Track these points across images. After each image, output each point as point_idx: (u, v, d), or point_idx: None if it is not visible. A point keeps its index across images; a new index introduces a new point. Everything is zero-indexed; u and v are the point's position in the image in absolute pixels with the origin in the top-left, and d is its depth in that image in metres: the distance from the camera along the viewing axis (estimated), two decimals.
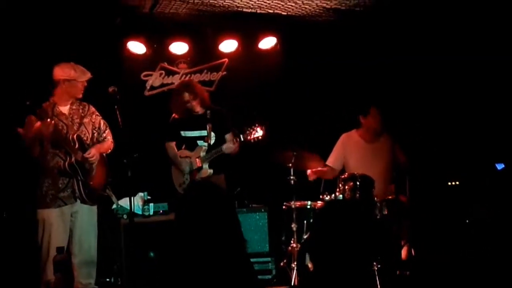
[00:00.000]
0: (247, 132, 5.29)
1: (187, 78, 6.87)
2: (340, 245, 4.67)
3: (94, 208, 5.00)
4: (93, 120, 5.06)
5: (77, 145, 4.84)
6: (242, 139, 5.35)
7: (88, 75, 4.98)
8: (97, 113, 5.12)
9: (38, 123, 4.68)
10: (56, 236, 4.73)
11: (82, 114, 5.00)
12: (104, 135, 5.12)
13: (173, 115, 5.72)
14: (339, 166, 5.93)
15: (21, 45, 5.98)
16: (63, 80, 4.88)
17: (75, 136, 4.86)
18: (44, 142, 4.75)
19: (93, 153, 4.90)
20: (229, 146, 5.43)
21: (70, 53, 5.89)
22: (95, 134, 5.04)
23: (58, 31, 6.11)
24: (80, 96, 5.01)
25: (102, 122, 5.12)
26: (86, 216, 4.93)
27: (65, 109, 4.95)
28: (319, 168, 5.84)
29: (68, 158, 4.78)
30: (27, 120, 4.74)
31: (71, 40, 6.18)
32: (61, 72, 4.89)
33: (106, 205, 5.80)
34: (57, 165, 4.79)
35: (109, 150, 5.17)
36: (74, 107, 4.99)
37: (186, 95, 5.59)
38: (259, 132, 5.28)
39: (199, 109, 5.62)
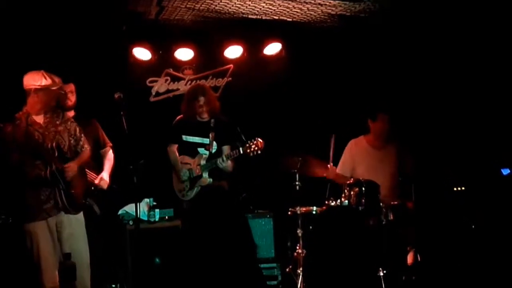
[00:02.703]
0: (247, 145, 5.23)
1: (193, 84, 6.86)
2: (351, 251, 4.67)
3: (80, 216, 4.87)
4: (68, 127, 4.91)
5: (56, 154, 4.74)
6: (241, 151, 5.26)
7: (60, 83, 4.80)
8: (72, 119, 5.00)
9: (10, 127, 4.61)
10: (45, 246, 4.65)
11: (57, 122, 4.86)
12: (81, 143, 4.97)
13: (177, 118, 5.70)
14: (349, 173, 5.91)
15: (21, 51, 5.97)
16: (34, 89, 4.72)
17: (54, 144, 4.74)
18: (20, 149, 4.65)
19: (71, 167, 4.78)
20: (222, 162, 5.35)
21: (75, 60, 5.96)
22: (72, 141, 4.90)
23: (65, 37, 6.14)
24: (54, 104, 4.86)
25: (77, 129, 4.97)
26: (73, 225, 4.81)
27: (39, 118, 4.80)
28: (330, 172, 5.81)
29: (48, 167, 4.67)
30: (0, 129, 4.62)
31: (76, 46, 6.21)
32: (31, 80, 4.72)
33: (111, 211, 5.82)
34: (37, 175, 4.67)
35: (88, 159, 5.08)
36: (48, 116, 4.84)
37: (202, 100, 5.56)
38: (259, 146, 5.21)
39: (206, 116, 5.61)
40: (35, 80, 4.70)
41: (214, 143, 5.51)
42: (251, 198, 6.39)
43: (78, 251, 4.78)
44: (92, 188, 5.26)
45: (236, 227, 2.58)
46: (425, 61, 6.69)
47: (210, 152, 5.50)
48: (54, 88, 4.77)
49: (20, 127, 4.63)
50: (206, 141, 5.53)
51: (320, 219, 5.55)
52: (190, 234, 4.83)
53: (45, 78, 4.71)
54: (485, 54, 6.47)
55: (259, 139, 5.20)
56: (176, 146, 5.68)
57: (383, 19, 6.30)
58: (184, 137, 5.62)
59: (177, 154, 5.66)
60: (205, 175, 5.45)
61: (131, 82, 6.66)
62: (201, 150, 5.55)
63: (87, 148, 5.00)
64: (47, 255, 4.60)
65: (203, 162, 5.48)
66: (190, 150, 5.59)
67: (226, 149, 5.54)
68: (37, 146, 4.68)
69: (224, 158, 5.34)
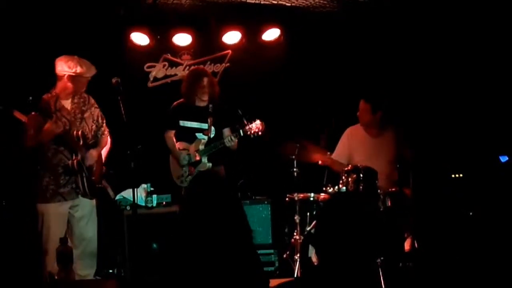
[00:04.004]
0: (248, 127, 5.25)
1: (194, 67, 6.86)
2: (348, 238, 4.67)
3: (93, 201, 5.01)
4: (93, 113, 5.04)
5: (81, 142, 4.85)
6: (242, 133, 5.29)
7: (94, 70, 4.93)
8: (96, 105, 5.10)
9: (49, 124, 4.65)
10: (55, 229, 4.73)
11: (84, 108, 4.98)
12: (102, 129, 5.11)
13: (174, 103, 5.67)
14: (345, 159, 5.91)
15: (22, 36, 5.95)
16: (68, 76, 4.82)
17: (79, 133, 4.85)
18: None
19: (93, 154, 4.93)
20: (230, 140, 5.38)
21: (72, 44, 5.91)
22: (94, 127, 5.03)
23: (61, 22, 6.10)
24: (83, 90, 4.98)
25: (100, 114, 5.11)
26: (86, 209, 4.95)
27: (67, 103, 4.91)
28: (327, 158, 5.81)
29: (73, 156, 4.78)
30: (30, 117, 4.65)
31: (74, 31, 6.17)
32: (66, 66, 4.81)
33: (108, 197, 5.81)
34: (61, 162, 4.78)
35: (106, 144, 5.20)
36: (75, 101, 4.95)
37: (205, 81, 5.56)
38: (259, 128, 5.23)
39: (205, 99, 5.57)
40: (70, 67, 4.80)
41: (213, 128, 5.49)
42: (249, 184, 6.38)
43: (86, 235, 4.92)
44: (106, 171, 5.28)
45: (232, 213, 2.57)
46: (425, 46, 6.65)
47: (209, 137, 5.49)
48: (87, 75, 4.88)
49: (50, 115, 4.71)
50: (205, 126, 5.51)
51: (320, 206, 5.56)
52: (188, 220, 4.83)
53: (80, 65, 4.81)
54: (486, 40, 6.44)
55: (259, 121, 5.20)
56: (173, 132, 5.66)
57: (383, 3, 6.26)
58: (182, 123, 5.60)
59: (175, 140, 5.64)
60: (204, 160, 5.46)
61: (129, 67, 6.63)
62: (199, 135, 5.54)
63: (106, 134, 5.15)
64: (56, 238, 4.63)
65: (201, 147, 5.47)
66: (188, 135, 5.58)
67: (226, 131, 5.54)
68: (64, 133, 4.76)
69: (233, 137, 5.33)
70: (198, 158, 5.45)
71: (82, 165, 4.82)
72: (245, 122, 5.26)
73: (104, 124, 5.14)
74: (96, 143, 5.06)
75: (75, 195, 4.86)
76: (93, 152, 4.94)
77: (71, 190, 4.84)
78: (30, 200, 4.87)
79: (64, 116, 4.85)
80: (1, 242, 5.24)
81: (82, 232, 4.91)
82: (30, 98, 4.61)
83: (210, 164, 5.46)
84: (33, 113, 4.64)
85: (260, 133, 5.24)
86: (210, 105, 5.53)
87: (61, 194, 4.80)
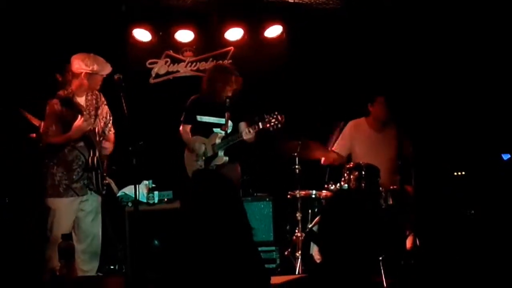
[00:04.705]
0: (266, 119, 5.19)
1: (193, 66, 6.85)
2: (352, 236, 4.67)
3: (99, 197, 5.04)
4: (103, 110, 5.09)
5: (98, 139, 4.90)
6: (261, 126, 5.21)
7: (109, 68, 4.95)
8: (105, 102, 5.14)
9: (80, 121, 4.70)
10: (64, 225, 4.76)
11: (96, 106, 5.02)
12: (109, 125, 5.15)
13: (191, 98, 5.65)
14: (345, 152, 5.92)
15: (23, 35, 5.95)
16: (85, 73, 4.85)
17: (95, 129, 4.89)
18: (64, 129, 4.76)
19: (108, 146, 5.01)
20: (247, 132, 5.30)
21: (75, 41, 5.92)
22: (103, 124, 5.06)
23: (63, 19, 6.10)
24: (98, 88, 5.01)
25: (108, 111, 5.15)
26: (94, 204, 4.99)
27: (82, 100, 4.94)
28: (330, 155, 5.80)
29: (91, 153, 4.83)
30: (52, 113, 4.74)
31: (76, 27, 6.16)
32: (83, 64, 4.84)
33: (110, 193, 5.81)
34: (76, 159, 4.83)
35: (113, 140, 5.22)
36: (89, 98, 4.98)
37: (233, 79, 5.52)
38: (278, 120, 5.17)
39: (230, 95, 5.48)
40: (87, 65, 4.83)
41: (230, 122, 5.46)
42: (251, 181, 6.38)
43: (92, 231, 4.96)
44: (112, 167, 5.29)
45: (233, 210, 2.57)
46: (428, 43, 6.64)
47: (226, 132, 5.46)
48: (103, 73, 4.93)
49: (75, 110, 4.74)
50: (222, 121, 5.47)
51: (325, 203, 5.54)
52: (189, 217, 4.83)
53: (97, 63, 4.86)
54: (490, 38, 6.42)
55: (279, 114, 5.15)
56: (189, 126, 5.61)
57: (385, 0, 6.25)
58: (199, 118, 5.56)
59: (190, 135, 5.60)
60: (221, 153, 5.43)
61: (131, 64, 6.63)
62: (216, 130, 5.51)
63: (113, 131, 5.18)
64: (63, 232, 4.67)
65: (218, 141, 5.43)
66: (205, 130, 5.54)
67: (242, 125, 5.47)
68: (92, 131, 4.83)
69: (251, 130, 5.26)
70: (215, 151, 5.41)
71: (100, 162, 4.86)
72: (264, 115, 5.20)
73: (111, 121, 5.17)
74: (105, 139, 5.09)
75: (86, 190, 4.89)
76: (108, 144, 5.00)
77: (83, 186, 4.87)
78: (39, 196, 4.88)
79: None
80: (3, 239, 5.25)
81: (88, 227, 4.94)
82: (61, 93, 4.70)
83: (227, 158, 5.44)
84: (60, 108, 4.70)
85: (280, 125, 5.17)
86: (227, 100, 5.47)
87: (74, 190, 4.84)
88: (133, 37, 6.67)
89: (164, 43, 6.87)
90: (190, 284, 2.64)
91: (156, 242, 5.74)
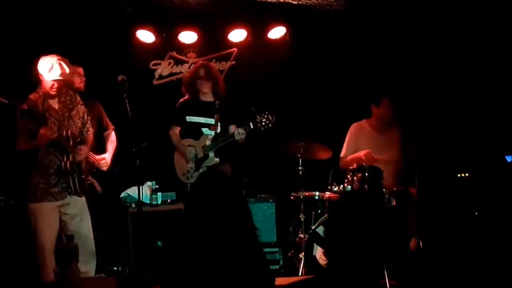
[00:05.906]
0: (257, 119, 5.21)
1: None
2: (358, 238, 4.67)
3: (83, 198, 4.91)
4: (79, 110, 4.92)
5: (71, 142, 4.75)
6: (252, 126, 5.25)
7: (58, 73, 4.63)
8: (81, 102, 4.97)
9: (44, 130, 4.56)
10: (49, 228, 4.69)
11: (70, 106, 4.85)
12: (87, 125, 5.00)
13: (180, 100, 5.68)
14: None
15: (26, 34, 5.94)
16: (41, 75, 4.68)
17: (68, 132, 4.73)
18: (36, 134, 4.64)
19: (84, 150, 4.88)
20: (239, 133, 5.33)
21: (78, 42, 5.93)
22: (79, 124, 4.91)
23: (67, 19, 6.10)
24: (66, 90, 4.82)
25: (85, 111, 4.99)
26: (78, 206, 4.86)
27: (54, 102, 4.78)
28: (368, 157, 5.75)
29: (65, 157, 4.70)
30: (20, 123, 4.58)
31: (80, 28, 6.17)
32: (46, 69, 4.63)
33: (113, 194, 5.82)
34: (51, 163, 4.70)
35: (92, 141, 5.11)
36: (62, 99, 4.81)
37: (201, 71, 5.56)
38: (270, 120, 5.19)
39: (207, 91, 5.56)
40: (49, 69, 4.61)
41: (219, 124, 5.48)
42: (254, 182, 6.38)
43: (82, 232, 4.83)
44: (94, 169, 5.27)
45: (237, 211, 2.56)
46: (432, 44, 6.62)
47: (216, 133, 5.48)
48: (49, 79, 4.65)
49: (39, 116, 4.60)
50: (211, 121, 5.50)
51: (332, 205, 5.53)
52: (193, 218, 4.83)
53: (60, 67, 4.61)
54: (495, 39, 6.40)
55: (269, 113, 5.17)
56: (178, 129, 5.65)
57: (390, 1, 6.24)
58: (188, 118, 5.59)
59: (179, 138, 5.64)
60: (212, 155, 5.45)
61: (134, 65, 6.63)
62: (205, 130, 5.53)
63: (91, 130, 5.04)
64: (49, 236, 4.66)
65: (208, 142, 5.46)
66: (194, 131, 5.57)
67: (232, 128, 5.51)
68: (58, 137, 4.67)
69: (242, 130, 5.29)
70: (205, 153, 5.43)
71: (74, 166, 4.74)
72: (256, 115, 5.22)
73: (89, 121, 5.02)
74: (83, 141, 4.96)
75: (65, 194, 4.78)
76: (83, 148, 4.86)
77: (62, 190, 4.76)
78: (22, 200, 4.82)
79: (53, 116, 4.73)
80: (3, 239, 5.23)
81: (77, 229, 4.78)
82: (25, 107, 4.53)
83: (218, 159, 5.46)
84: (24, 118, 4.53)
85: (270, 125, 5.19)
86: (217, 102, 5.52)
87: (52, 194, 4.73)
88: (137, 38, 6.67)
89: (167, 44, 6.87)
90: (194, 285, 2.64)
91: (159, 243, 5.74)
